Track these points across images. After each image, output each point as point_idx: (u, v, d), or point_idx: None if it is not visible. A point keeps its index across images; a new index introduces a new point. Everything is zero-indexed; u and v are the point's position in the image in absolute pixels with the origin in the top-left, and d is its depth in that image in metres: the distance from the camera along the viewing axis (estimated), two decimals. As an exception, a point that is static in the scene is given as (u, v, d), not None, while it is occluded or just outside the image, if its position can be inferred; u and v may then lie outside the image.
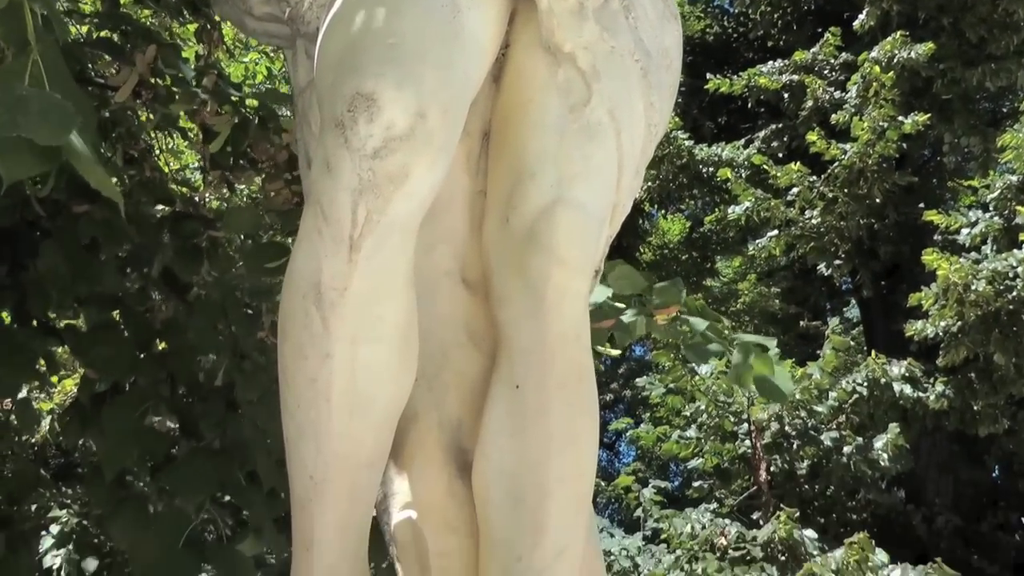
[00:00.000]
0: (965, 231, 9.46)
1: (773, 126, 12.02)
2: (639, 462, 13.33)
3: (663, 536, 9.46)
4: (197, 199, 3.29)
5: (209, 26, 3.33)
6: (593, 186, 1.37)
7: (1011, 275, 8.50)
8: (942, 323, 8.80)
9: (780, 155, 11.50)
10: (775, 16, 13.13)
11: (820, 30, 11.87)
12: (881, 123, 9.87)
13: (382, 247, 1.17)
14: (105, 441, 2.47)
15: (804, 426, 9.50)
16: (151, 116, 3.17)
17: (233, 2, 1.64)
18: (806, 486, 9.76)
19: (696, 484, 10.89)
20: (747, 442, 10.09)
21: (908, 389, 9.23)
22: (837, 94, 10.93)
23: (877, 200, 10.20)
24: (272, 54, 8.56)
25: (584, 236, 1.33)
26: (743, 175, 11.09)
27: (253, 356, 2.79)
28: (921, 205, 10.42)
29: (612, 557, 9.21)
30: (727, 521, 9.00)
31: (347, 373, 1.22)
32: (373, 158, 1.12)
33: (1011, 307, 8.44)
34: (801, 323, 14.07)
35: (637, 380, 13.79)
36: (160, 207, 3.05)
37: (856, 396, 9.39)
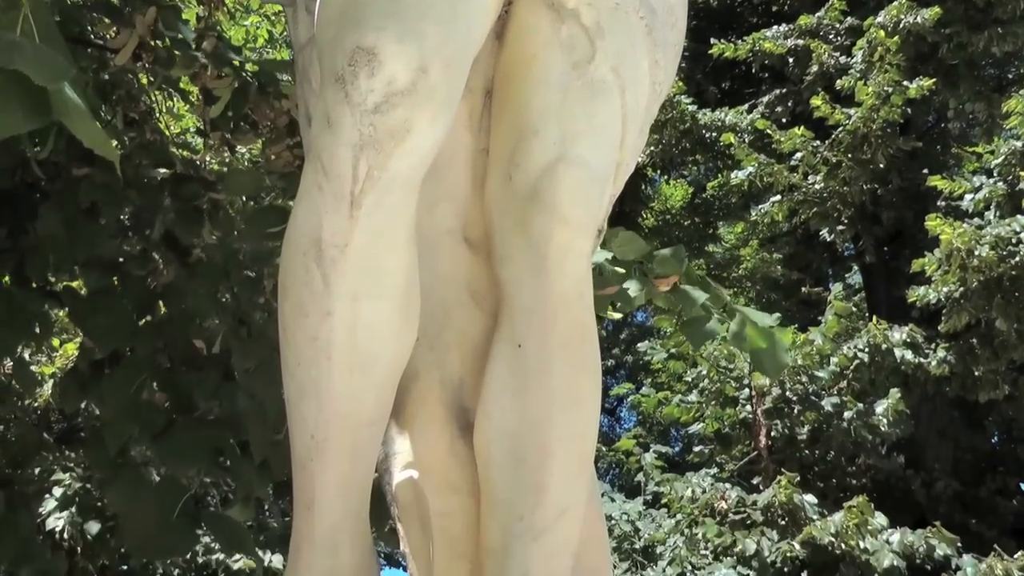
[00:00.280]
0: (969, 197, 9.44)
1: (777, 91, 11.92)
2: (640, 427, 13.40)
3: (664, 500, 9.55)
4: (198, 162, 3.28)
5: (209, -14, 3.31)
6: (597, 144, 1.35)
7: (1014, 241, 8.50)
8: (944, 289, 8.80)
9: (784, 120, 11.42)
10: (780, -20, 13.00)
11: (826, -6, 11.75)
12: (886, 88, 9.81)
13: (383, 203, 1.15)
14: (106, 410, 2.47)
15: (805, 391, 9.53)
16: (151, 79, 3.16)
17: (232, -43, 1.61)
18: (806, 451, 9.82)
19: (697, 449, 10.96)
20: (748, 407, 10.15)
21: (909, 355, 9.26)
22: (842, 59, 10.85)
23: (881, 165, 10.15)
24: (273, 17, 8.50)
25: (587, 194, 1.31)
26: (746, 140, 11.03)
27: (255, 319, 2.78)
28: (925, 171, 10.36)
29: (613, 521, 9.29)
30: (727, 485, 9.07)
31: (348, 330, 1.20)
32: (374, 113, 1.10)
33: (1013, 273, 8.44)
34: (803, 289, 14.06)
35: (639, 345, 13.85)
36: (161, 170, 3.04)
37: (857, 362, 9.42)
